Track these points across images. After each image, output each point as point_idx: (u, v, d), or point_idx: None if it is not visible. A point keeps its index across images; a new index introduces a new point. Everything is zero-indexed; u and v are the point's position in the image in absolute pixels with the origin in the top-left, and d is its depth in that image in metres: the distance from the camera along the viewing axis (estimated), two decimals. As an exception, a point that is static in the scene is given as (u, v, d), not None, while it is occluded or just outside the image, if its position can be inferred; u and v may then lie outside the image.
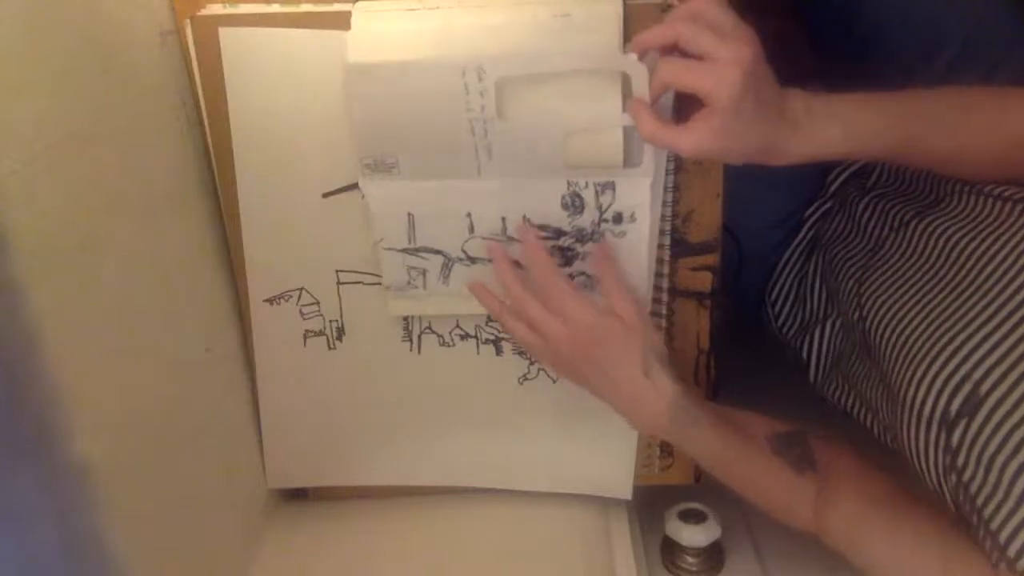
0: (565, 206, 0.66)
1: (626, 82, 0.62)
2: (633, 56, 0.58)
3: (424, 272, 0.70)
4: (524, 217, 0.67)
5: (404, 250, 0.70)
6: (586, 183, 0.65)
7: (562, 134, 0.63)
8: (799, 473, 0.63)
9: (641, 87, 0.60)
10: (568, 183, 0.66)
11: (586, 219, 0.67)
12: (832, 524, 0.61)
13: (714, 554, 0.76)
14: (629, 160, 0.64)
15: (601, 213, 0.67)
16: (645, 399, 0.64)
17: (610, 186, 0.66)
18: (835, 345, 0.76)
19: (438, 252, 0.69)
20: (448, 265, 0.70)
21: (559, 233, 0.67)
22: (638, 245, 0.68)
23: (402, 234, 0.69)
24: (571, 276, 0.69)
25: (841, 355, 0.74)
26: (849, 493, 0.62)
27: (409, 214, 0.68)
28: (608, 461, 0.78)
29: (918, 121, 0.60)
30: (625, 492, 0.79)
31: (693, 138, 0.56)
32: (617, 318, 0.64)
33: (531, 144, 0.64)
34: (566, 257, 0.68)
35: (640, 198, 0.66)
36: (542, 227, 0.67)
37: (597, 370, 0.65)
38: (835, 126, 0.58)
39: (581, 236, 0.67)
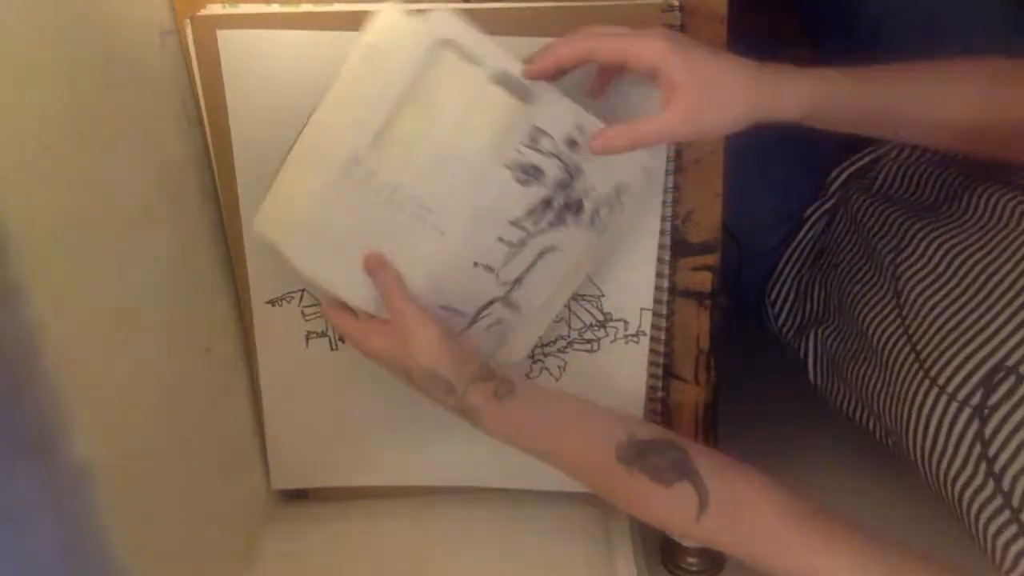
0: (523, 181, 0.63)
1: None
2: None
3: None
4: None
5: None
6: (516, 149, 0.62)
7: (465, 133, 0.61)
8: (664, 484, 0.59)
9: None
10: (505, 166, 0.62)
11: (552, 167, 0.63)
12: (758, 544, 0.57)
13: (714, 554, 0.76)
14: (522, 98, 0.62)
15: (557, 155, 0.63)
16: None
17: (534, 130, 0.62)
18: (832, 349, 0.76)
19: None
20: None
21: (546, 202, 0.64)
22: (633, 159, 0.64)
23: None
24: (591, 219, 0.65)
25: (839, 359, 0.74)
26: (773, 512, 0.57)
27: None
28: None
29: (891, 90, 0.60)
30: None
31: (674, 118, 0.55)
32: (381, 345, 0.62)
33: (450, 170, 0.62)
34: (573, 209, 0.64)
35: (566, 111, 0.62)
36: (529, 214, 0.64)
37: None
38: (782, 92, 0.57)
39: (563, 182, 0.63)
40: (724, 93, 0.55)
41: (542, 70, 0.58)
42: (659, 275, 0.72)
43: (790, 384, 0.80)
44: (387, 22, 0.60)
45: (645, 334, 0.73)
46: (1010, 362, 0.55)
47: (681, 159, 0.69)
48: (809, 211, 0.82)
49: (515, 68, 0.60)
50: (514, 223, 0.64)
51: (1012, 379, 0.54)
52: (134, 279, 0.59)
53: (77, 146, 0.53)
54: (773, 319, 0.84)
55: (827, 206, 0.82)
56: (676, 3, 0.64)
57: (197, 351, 0.69)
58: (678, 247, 0.71)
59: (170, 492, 0.62)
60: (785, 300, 0.83)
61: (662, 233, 0.70)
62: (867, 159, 0.80)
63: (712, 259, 0.72)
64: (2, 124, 0.46)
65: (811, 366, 0.79)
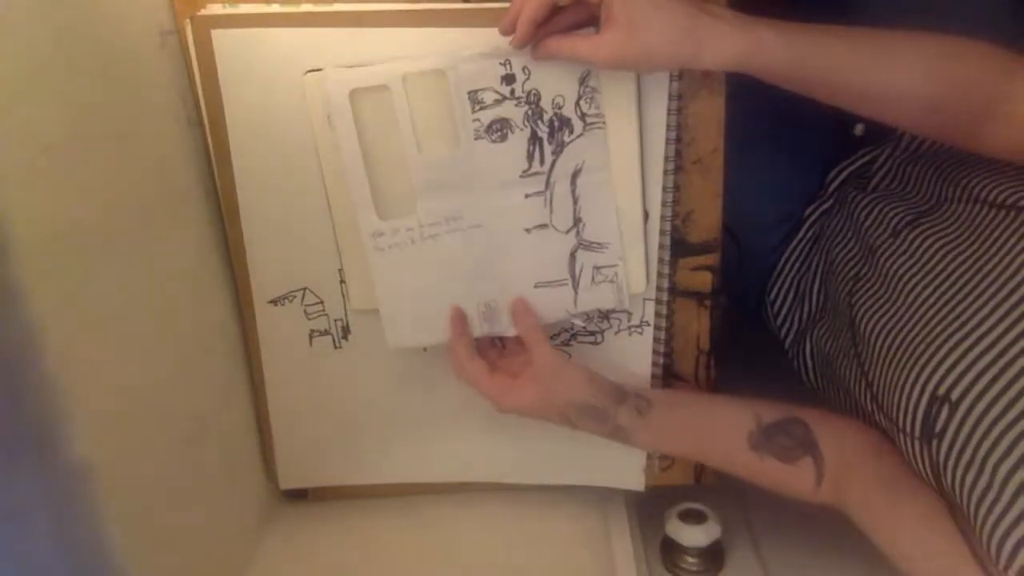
0: (500, 138, 0.65)
1: None
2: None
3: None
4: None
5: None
6: (473, 120, 0.64)
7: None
8: (790, 462, 0.65)
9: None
10: (476, 140, 0.65)
11: (511, 108, 0.65)
12: (850, 501, 0.63)
13: (714, 554, 0.76)
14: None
15: (506, 96, 0.65)
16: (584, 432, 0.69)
17: (472, 95, 0.64)
18: (826, 348, 0.76)
19: None
20: None
21: (535, 138, 0.66)
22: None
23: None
24: (582, 120, 0.66)
25: (832, 357, 0.74)
26: (863, 472, 0.63)
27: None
28: (619, 453, 0.77)
29: (830, 52, 0.60)
30: (638, 483, 0.79)
31: (602, 45, 0.58)
32: (527, 395, 0.67)
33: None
34: (562, 127, 0.66)
35: (482, 61, 0.64)
36: (530, 158, 0.66)
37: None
38: (714, 51, 0.58)
39: (531, 112, 0.65)
40: (652, 35, 0.57)
41: (525, 37, 0.60)
42: (659, 275, 0.72)
43: (790, 384, 0.80)
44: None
45: (649, 324, 0.73)
46: (942, 389, 0.55)
47: (681, 159, 0.69)
48: (808, 211, 0.82)
49: (410, 63, 0.64)
50: (525, 174, 0.67)
51: (938, 403, 0.55)
52: (134, 279, 0.59)
53: (77, 146, 0.53)
54: (773, 318, 0.84)
55: (826, 206, 0.82)
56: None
57: (197, 351, 0.69)
58: (678, 247, 0.71)
59: (170, 492, 0.62)
60: (784, 300, 0.83)
61: (662, 233, 0.70)
62: (866, 158, 0.80)
63: (712, 259, 0.72)
64: (2, 124, 0.46)
65: (808, 366, 0.79)
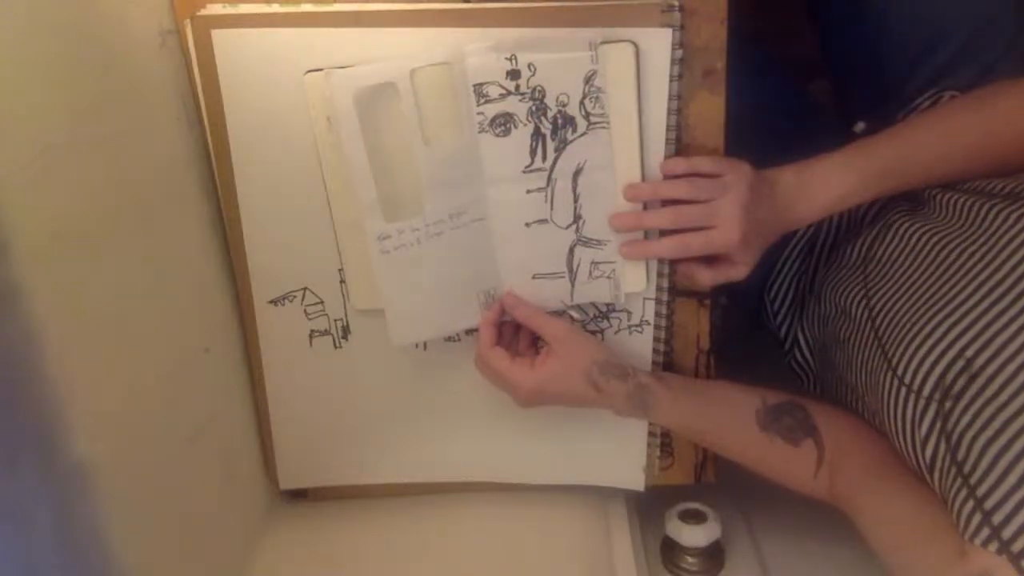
0: (503, 133, 0.65)
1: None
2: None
3: None
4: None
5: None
6: (476, 113, 0.64)
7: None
8: (794, 444, 0.66)
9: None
10: (480, 133, 0.65)
11: (515, 104, 0.65)
12: (839, 490, 0.64)
13: (714, 554, 0.76)
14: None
15: (511, 91, 0.64)
16: (603, 405, 0.69)
17: (476, 88, 0.64)
18: (823, 344, 0.76)
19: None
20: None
21: (538, 135, 0.66)
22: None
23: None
24: (586, 120, 0.66)
25: (828, 351, 0.74)
26: (853, 459, 0.64)
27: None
28: (619, 453, 0.78)
29: (904, 163, 0.67)
30: (637, 484, 0.79)
31: (741, 270, 0.67)
32: (548, 368, 0.68)
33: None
34: (566, 124, 0.66)
35: (488, 53, 0.64)
36: (533, 154, 0.66)
37: (556, 401, 0.70)
38: (824, 194, 0.67)
39: (535, 108, 0.65)
40: (761, 246, 0.68)
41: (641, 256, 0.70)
42: (659, 275, 0.72)
43: (790, 384, 0.80)
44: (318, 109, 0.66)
45: (649, 323, 0.73)
46: (969, 353, 0.55)
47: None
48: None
49: (416, 58, 0.64)
50: (528, 170, 0.67)
51: (960, 363, 0.55)
52: (134, 279, 0.59)
53: (77, 146, 0.53)
54: (771, 317, 0.84)
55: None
56: (676, 3, 0.64)
57: (197, 351, 0.69)
58: (678, 247, 0.71)
59: (170, 492, 0.62)
60: (784, 299, 0.83)
61: (663, 233, 0.70)
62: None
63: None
64: (2, 124, 0.46)
65: (807, 365, 0.79)
